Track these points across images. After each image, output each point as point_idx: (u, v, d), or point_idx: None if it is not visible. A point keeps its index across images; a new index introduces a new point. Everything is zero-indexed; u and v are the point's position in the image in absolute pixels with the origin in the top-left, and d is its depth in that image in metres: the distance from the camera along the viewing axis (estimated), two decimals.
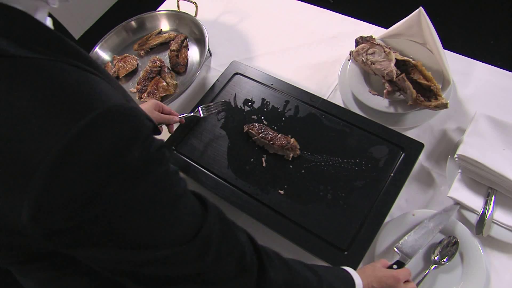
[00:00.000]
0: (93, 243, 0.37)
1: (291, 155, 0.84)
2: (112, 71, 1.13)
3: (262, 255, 0.50)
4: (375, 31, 1.07)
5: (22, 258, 0.45)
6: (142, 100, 1.05)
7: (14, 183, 0.32)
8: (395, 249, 0.72)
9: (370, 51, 0.93)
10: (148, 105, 0.87)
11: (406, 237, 0.73)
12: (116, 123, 0.35)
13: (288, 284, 0.52)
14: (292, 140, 0.84)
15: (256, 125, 0.89)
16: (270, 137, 0.85)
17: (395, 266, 0.69)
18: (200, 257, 0.43)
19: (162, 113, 0.89)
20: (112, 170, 0.34)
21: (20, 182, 0.32)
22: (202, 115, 0.94)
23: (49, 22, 0.40)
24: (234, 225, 0.50)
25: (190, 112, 0.94)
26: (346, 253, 0.72)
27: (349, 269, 0.65)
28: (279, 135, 0.86)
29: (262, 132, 0.87)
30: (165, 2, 1.35)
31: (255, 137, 0.87)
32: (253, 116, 0.94)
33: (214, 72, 1.12)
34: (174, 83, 1.07)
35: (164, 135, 0.93)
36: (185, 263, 0.42)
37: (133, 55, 1.16)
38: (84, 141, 0.32)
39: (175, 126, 0.93)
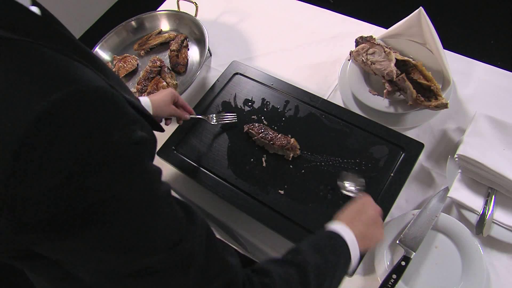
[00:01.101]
0: (66, 244, 0.34)
1: (291, 155, 0.84)
2: (112, 71, 1.13)
3: (255, 283, 0.47)
4: (375, 31, 1.07)
5: (16, 254, 0.42)
6: None
7: None
8: (398, 242, 0.73)
9: (370, 51, 0.93)
10: (165, 96, 0.84)
11: (406, 230, 0.74)
12: (93, 102, 0.33)
13: None
14: (292, 140, 0.84)
15: (256, 125, 0.89)
16: (270, 137, 0.85)
17: (403, 263, 0.70)
18: (182, 271, 0.40)
19: (176, 103, 0.87)
20: (87, 152, 0.31)
21: None
22: (212, 122, 0.93)
23: (35, 9, 0.39)
24: (225, 247, 0.47)
25: (200, 115, 0.94)
26: None
27: (340, 231, 0.61)
28: (279, 135, 0.86)
29: (262, 132, 0.87)
30: (165, 2, 1.35)
31: (255, 137, 0.87)
32: (253, 116, 0.94)
33: (214, 72, 1.12)
34: (174, 83, 1.07)
35: (166, 134, 0.93)
36: (165, 275, 0.39)
37: (133, 55, 1.16)
38: (56, 117, 0.30)
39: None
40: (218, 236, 0.91)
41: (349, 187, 0.77)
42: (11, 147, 0.29)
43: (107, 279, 0.40)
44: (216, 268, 0.44)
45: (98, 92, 0.34)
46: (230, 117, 0.93)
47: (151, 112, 0.81)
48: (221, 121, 0.93)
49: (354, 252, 0.60)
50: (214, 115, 0.93)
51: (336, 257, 0.58)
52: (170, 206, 0.41)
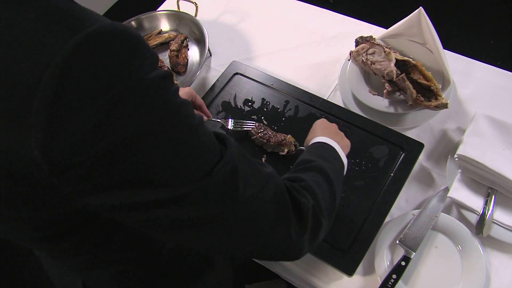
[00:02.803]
0: (105, 183, 0.35)
1: (285, 150, 0.84)
2: None
3: (295, 186, 0.50)
4: (375, 31, 1.07)
5: (50, 232, 0.43)
6: None
7: (15, 113, 0.31)
8: (398, 242, 0.73)
9: (370, 51, 0.93)
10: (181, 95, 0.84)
11: (406, 230, 0.74)
12: (118, 37, 0.33)
13: (317, 205, 0.52)
14: (289, 136, 0.85)
15: (256, 124, 0.89)
16: (268, 136, 0.85)
17: (403, 263, 0.70)
18: (232, 186, 0.41)
19: (194, 103, 0.86)
20: (122, 84, 0.32)
21: (21, 110, 0.30)
22: (230, 127, 0.91)
23: None
24: (257, 161, 0.49)
25: (218, 119, 0.92)
26: (346, 253, 0.72)
27: (328, 142, 0.68)
28: (277, 134, 0.86)
29: (261, 131, 0.87)
30: (165, 2, 1.35)
31: (254, 136, 0.87)
32: (253, 116, 0.94)
33: (214, 72, 1.12)
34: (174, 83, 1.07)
35: None
36: (217, 195, 0.40)
37: None
38: (85, 54, 0.31)
39: None
40: None
41: (286, 152, 0.84)
42: (42, 96, 0.30)
43: (163, 224, 0.40)
44: (260, 178, 0.45)
45: (120, 28, 0.34)
46: (250, 126, 0.90)
47: None
48: (239, 127, 0.91)
49: (344, 158, 0.68)
50: (233, 120, 0.91)
51: (336, 161, 0.65)
52: (207, 132, 0.42)
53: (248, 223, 0.44)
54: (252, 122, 0.91)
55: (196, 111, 0.85)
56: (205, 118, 0.87)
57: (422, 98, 0.84)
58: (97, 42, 0.32)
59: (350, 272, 0.71)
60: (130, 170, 0.35)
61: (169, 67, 1.11)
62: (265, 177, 0.46)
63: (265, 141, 0.86)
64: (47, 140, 0.31)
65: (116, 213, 0.39)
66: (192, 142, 0.39)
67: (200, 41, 1.13)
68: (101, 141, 0.32)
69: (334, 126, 0.77)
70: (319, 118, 0.89)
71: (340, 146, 0.69)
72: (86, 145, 0.32)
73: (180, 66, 1.10)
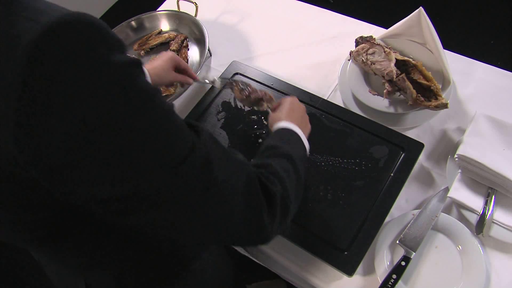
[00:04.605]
0: (81, 173, 0.35)
1: (265, 105, 0.83)
2: None
3: (265, 173, 0.51)
4: (375, 31, 1.07)
5: (46, 232, 0.43)
6: None
7: None
8: (398, 242, 0.73)
9: (370, 51, 0.93)
10: (164, 63, 0.82)
11: (406, 230, 0.74)
12: (83, 25, 0.34)
13: (285, 189, 0.53)
14: (269, 93, 0.84)
15: (240, 82, 0.87)
16: (249, 91, 0.84)
17: (403, 263, 0.70)
18: (207, 170, 0.41)
19: (178, 68, 0.85)
20: (88, 69, 0.32)
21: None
22: (217, 86, 0.92)
23: None
24: (230, 149, 0.50)
25: (206, 79, 0.92)
26: (346, 253, 0.72)
27: (291, 127, 0.68)
28: (258, 90, 0.85)
29: (244, 86, 0.85)
30: (165, 2, 1.35)
31: (237, 94, 0.86)
32: (253, 116, 0.94)
33: (214, 72, 1.12)
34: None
35: None
36: (187, 187, 0.40)
37: (133, 55, 1.16)
38: (50, 43, 0.31)
39: None
40: None
41: (267, 108, 0.83)
42: (18, 76, 0.30)
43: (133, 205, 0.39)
44: (232, 164, 0.46)
45: (88, 17, 0.35)
46: (239, 84, 0.88)
47: (150, 82, 0.80)
48: (226, 84, 0.90)
49: (306, 144, 0.68)
50: (220, 79, 0.91)
51: (301, 148, 0.66)
52: (178, 118, 0.41)
53: (221, 208, 0.44)
54: (242, 82, 0.91)
55: (181, 75, 0.86)
56: (191, 81, 0.87)
57: (422, 98, 0.84)
58: (62, 31, 0.32)
59: (350, 272, 0.71)
60: (98, 156, 0.35)
61: None
62: (237, 164, 0.47)
63: (244, 97, 0.84)
64: (20, 133, 0.32)
65: (92, 204, 0.39)
66: (162, 129, 0.38)
67: (200, 41, 1.13)
68: (70, 127, 0.32)
69: (302, 108, 0.76)
70: (319, 118, 0.90)
71: (304, 133, 0.69)
72: (55, 134, 0.32)
73: None
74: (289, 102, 0.76)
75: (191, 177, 0.40)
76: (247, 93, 0.84)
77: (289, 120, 0.70)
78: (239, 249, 0.91)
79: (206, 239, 0.53)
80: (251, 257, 0.89)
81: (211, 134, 0.46)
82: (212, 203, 0.43)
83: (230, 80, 0.90)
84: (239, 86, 0.86)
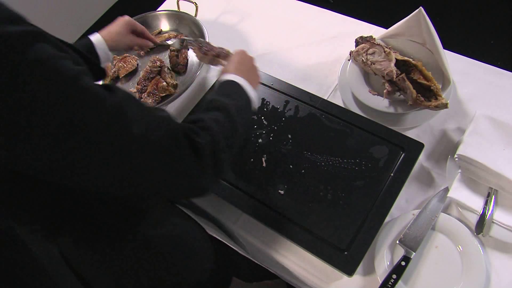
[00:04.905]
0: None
1: (222, 62, 0.85)
2: (112, 71, 1.13)
3: (194, 128, 0.53)
4: (375, 31, 1.07)
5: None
6: (142, 100, 1.05)
7: None
8: (398, 242, 0.73)
9: (370, 51, 0.93)
10: (119, 27, 0.84)
11: (406, 230, 0.74)
12: None
13: (215, 143, 0.54)
14: (227, 50, 0.86)
15: (199, 40, 0.90)
16: (207, 48, 0.86)
17: (403, 263, 0.70)
18: (117, 130, 0.43)
19: (135, 32, 0.87)
20: None
21: None
22: (176, 46, 0.95)
23: None
24: (153, 107, 0.51)
25: (168, 40, 0.94)
26: (346, 253, 0.72)
27: (234, 79, 0.69)
28: (216, 47, 0.87)
29: (203, 46, 0.88)
30: (165, 2, 1.35)
31: (197, 52, 0.88)
32: (252, 116, 0.94)
33: (214, 72, 1.12)
34: (174, 83, 1.07)
35: None
36: (103, 138, 0.42)
37: (133, 55, 1.16)
38: None
39: None
40: (217, 237, 0.92)
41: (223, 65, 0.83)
42: None
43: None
44: (150, 119, 0.47)
45: None
46: (200, 42, 0.91)
47: (106, 48, 0.82)
48: (188, 43, 0.92)
49: (253, 93, 0.69)
50: (185, 39, 0.94)
51: (241, 98, 0.67)
52: (85, 82, 0.42)
53: (141, 161, 0.46)
54: (201, 40, 0.94)
55: (139, 39, 0.88)
56: (150, 43, 0.89)
57: (422, 98, 0.84)
58: None
59: (350, 272, 0.71)
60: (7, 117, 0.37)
61: (170, 67, 1.11)
62: (156, 119, 0.48)
63: (204, 53, 0.86)
64: None
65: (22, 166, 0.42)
66: (70, 93, 0.40)
67: None
68: None
69: (249, 60, 0.78)
70: (319, 118, 0.90)
71: (249, 82, 0.70)
72: None
73: (180, 66, 1.10)
74: (237, 54, 0.78)
75: (105, 128, 0.42)
76: (206, 49, 0.86)
77: (235, 72, 0.70)
78: (239, 250, 0.91)
79: (137, 190, 0.53)
80: (251, 258, 0.89)
81: (130, 93, 0.48)
82: (131, 155, 0.44)
83: (189, 40, 0.92)
84: (199, 44, 0.87)
